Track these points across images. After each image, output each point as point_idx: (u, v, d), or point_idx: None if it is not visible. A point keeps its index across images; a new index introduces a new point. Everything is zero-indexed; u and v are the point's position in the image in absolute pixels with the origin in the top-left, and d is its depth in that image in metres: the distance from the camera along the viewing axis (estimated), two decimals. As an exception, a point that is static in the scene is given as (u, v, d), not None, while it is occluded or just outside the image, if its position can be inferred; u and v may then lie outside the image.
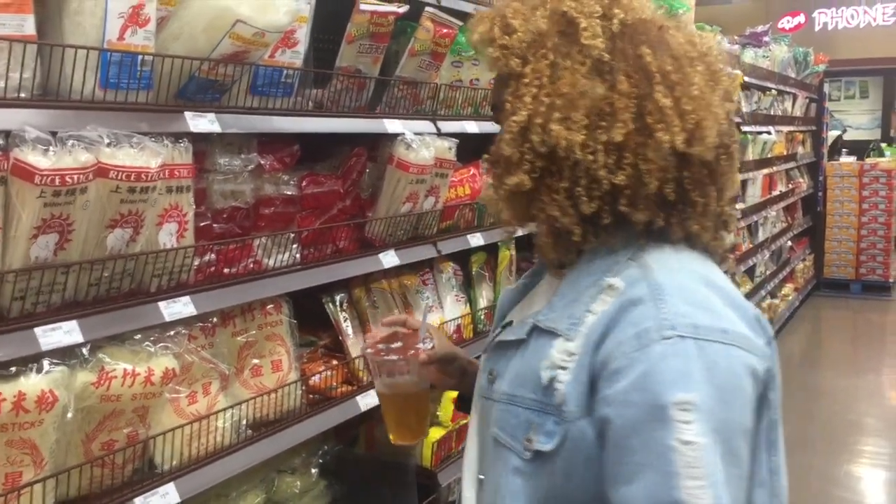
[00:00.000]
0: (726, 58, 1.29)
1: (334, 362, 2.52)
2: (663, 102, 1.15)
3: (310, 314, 2.56)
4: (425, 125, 2.79)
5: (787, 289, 9.03)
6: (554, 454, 1.11)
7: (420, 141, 2.60)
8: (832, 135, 11.33)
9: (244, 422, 2.14)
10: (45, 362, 1.63)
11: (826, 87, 10.86)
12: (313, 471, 2.62)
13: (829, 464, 5.26)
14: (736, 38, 7.92)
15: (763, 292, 7.76)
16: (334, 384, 2.47)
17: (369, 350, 1.54)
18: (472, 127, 3.04)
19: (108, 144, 1.67)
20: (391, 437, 1.58)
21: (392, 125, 2.61)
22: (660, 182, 1.15)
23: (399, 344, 1.54)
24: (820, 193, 10.34)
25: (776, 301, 8.38)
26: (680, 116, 1.15)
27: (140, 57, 1.79)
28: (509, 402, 1.19)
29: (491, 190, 1.25)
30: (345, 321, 2.61)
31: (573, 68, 1.17)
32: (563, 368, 1.12)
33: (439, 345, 1.54)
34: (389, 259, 2.64)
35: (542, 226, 1.22)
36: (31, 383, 1.59)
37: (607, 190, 1.15)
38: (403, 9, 2.49)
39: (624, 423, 1.04)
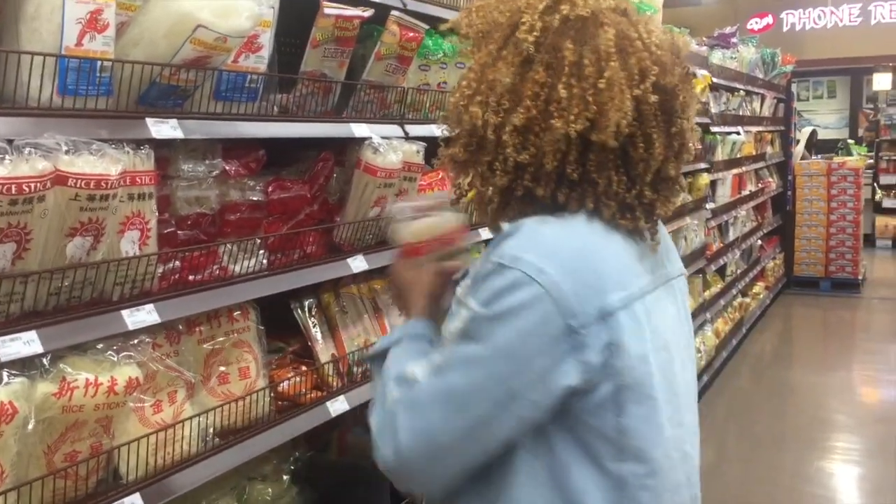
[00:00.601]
0: (673, 53, 1.38)
1: (303, 368, 2.50)
2: (562, 93, 1.29)
3: (278, 320, 2.54)
4: (393, 129, 2.79)
5: (758, 287, 9.12)
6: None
7: (387, 145, 2.59)
8: (806, 131, 11.48)
9: (211, 430, 2.13)
10: (4, 373, 1.61)
11: (794, 88, 10.98)
12: (285, 477, 2.61)
13: (801, 461, 5.32)
14: (704, 39, 7.99)
15: (734, 291, 7.83)
16: (303, 390, 2.45)
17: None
18: (440, 130, 3.04)
19: (67, 152, 1.65)
20: None
21: (359, 129, 2.60)
22: (559, 163, 1.31)
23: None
24: (789, 192, 10.46)
25: (747, 300, 8.46)
26: (580, 106, 1.28)
27: (99, 63, 1.77)
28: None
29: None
30: (314, 327, 2.60)
31: (507, 59, 1.34)
32: (460, 288, 1.37)
33: None
34: (358, 264, 2.63)
35: (476, 194, 1.42)
36: (-10, 395, 1.57)
37: (513, 166, 1.33)
38: (368, 13, 2.48)
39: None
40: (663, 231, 1.47)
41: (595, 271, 1.27)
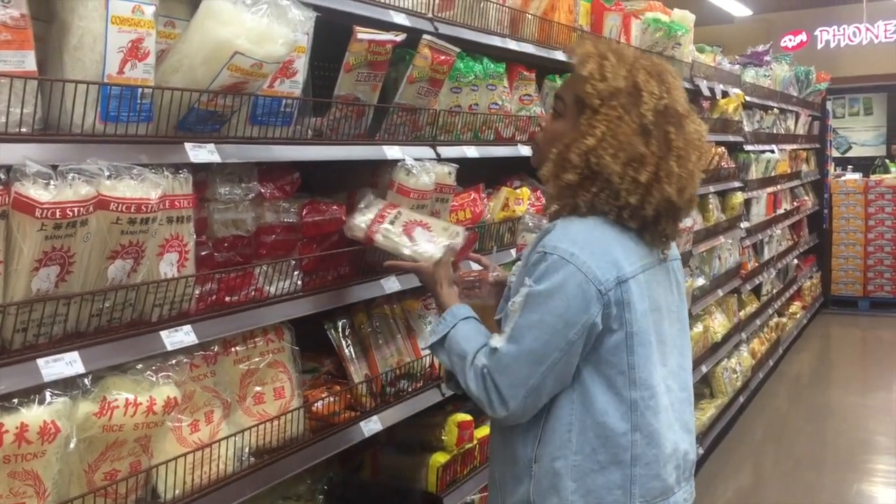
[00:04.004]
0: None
1: (337, 388, 2.52)
2: (673, 168, 1.83)
3: (312, 340, 2.57)
4: (425, 151, 2.81)
5: (795, 307, 9.00)
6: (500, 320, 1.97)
7: (420, 166, 2.62)
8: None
9: (247, 449, 2.15)
10: (47, 393, 1.64)
11: (829, 105, 10.87)
12: (319, 497, 2.63)
13: (840, 483, 5.22)
14: (737, 57, 7.95)
15: (770, 311, 7.73)
16: (337, 410, 2.47)
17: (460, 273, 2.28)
18: (471, 152, 3.07)
19: (109, 177, 1.70)
20: None
21: (392, 151, 2.63)
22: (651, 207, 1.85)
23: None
24: (825, 211, 10.33)
25: (784, 319, 8.35)
26: (680, 179, 1.83)
27: (140, 90, 1.82)
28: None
29: (546, 168, 1.91)
30: (347, 347, 2.62)
31: (629, 123, 1.81)
32: (513, 275, 1.99)
33: (500, 275, 2.29)
34: (391, 284, 2.65)
35: (563, 203, 1.88)
36: (34, 414, 1.60)
37: (620, 203, 1.82)
38: (401, 37, 2.52)
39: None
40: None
41: (609, 253, 1.80)
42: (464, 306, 2.00)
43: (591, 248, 1.78)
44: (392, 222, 2.30)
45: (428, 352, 2.84)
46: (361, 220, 2.36)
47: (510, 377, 1.78)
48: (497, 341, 1.81)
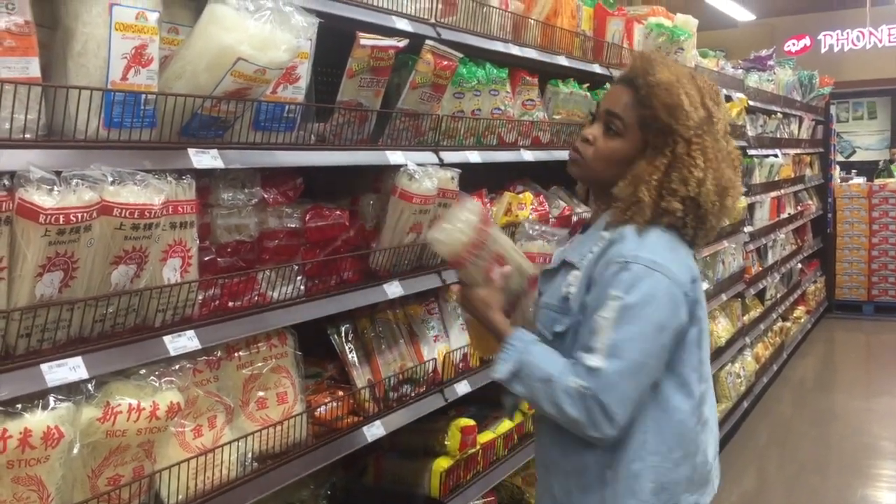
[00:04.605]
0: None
1: (340, 393, 2.52)
2: (740, 187, 1.96)
3: (315, 345, 2.57)
4: (428, 156, 2.82)
5: (799, 311, 8.98)
6: (564, 333, 1.90)
7: (423, 172, 2.62)
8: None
9: (250, 454, 2.15)
10: (51, 398, 1.65)
11: (833, 109, 10.87)
12: (322, 502, 2.62)
13: (845, 488, 5.20)
14: (740, 62, 7.95)
15: (774, 315, 7.72)
16: (340, 415, 2.47)
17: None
18: (474, 157, 3.07)
19: (112, 182, 1.70)
20: (479, 351, 2.02)
21: (394, 157, 2.63)
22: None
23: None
24: (829, 215, 10.32)
25: (788, 324, 8.33)
26: (733, 188, 1.93)
27: (143, 96, 1.83)
28: (545, 308, 1.98)
29: (623, 190, 1.89)
30: (350, 352, 2.63)
31: (718, 150, 1.89)
32: (572, 286, 1.90)
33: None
34: (394, 289, 2.65)
35: (641, 219, 1.86)
36: (37, 420, 1.61)
37: (705, 225, 1.91)
38: (403, 43, 2.52)
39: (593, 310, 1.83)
40: None
41: (680, 256, 1.87)
42: (521, 329, 1.92)
43: (667, 253, 1.83)
44: (479, 256, 1.98)
45: (432, 357, 2.84)
46: (458, 239, 1.97)
47: (618, 394, 1.75)
48: (595, 360, 1.76)
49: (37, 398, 1.64)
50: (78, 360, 1.70)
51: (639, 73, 1.91)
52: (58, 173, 1.62)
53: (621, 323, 1.76)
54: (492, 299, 1.96)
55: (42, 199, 1.57)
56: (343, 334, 2.64)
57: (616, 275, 1.79)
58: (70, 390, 1.71)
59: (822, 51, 12.76)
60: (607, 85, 4.10)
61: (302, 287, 2.35)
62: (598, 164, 1.93)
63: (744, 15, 12.00)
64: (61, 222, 1.59)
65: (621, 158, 1.90)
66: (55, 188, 1.59)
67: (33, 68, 1.66)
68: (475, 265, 1.96)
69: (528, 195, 3.49)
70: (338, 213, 2.50)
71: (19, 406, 1.61)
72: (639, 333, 1.76)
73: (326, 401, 2.46)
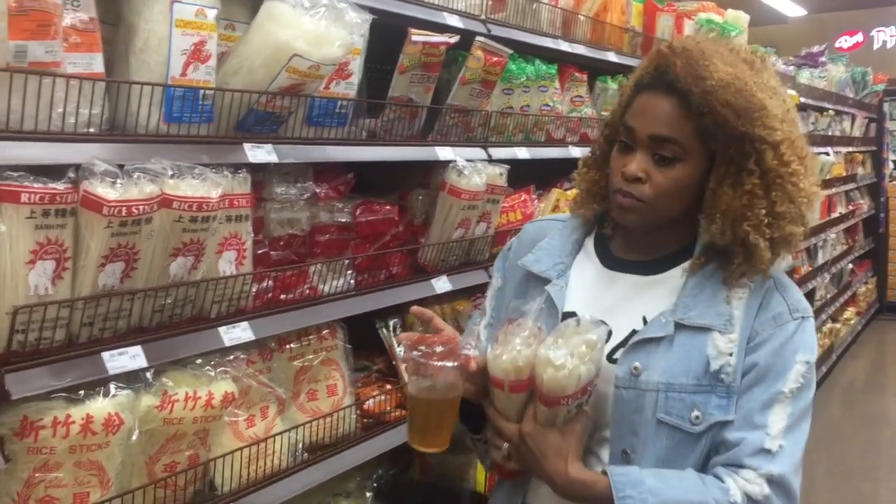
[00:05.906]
0: None
1: (388, 387, 2.55)
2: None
3: (364, 339, 2.59)
4: (476, 152, 2.83)
5: (849, 312, 8.81)
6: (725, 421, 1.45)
7: (472, 167, 2.63)
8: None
9: (300, 445, 2.19)
10: (112, 386, 1.69)
11: (886, 107, 10.62)
12: (368, 495, 2.65)
13: (894, 493, 5.10)
14: (791, 58, 7.82)
15: (824, 316, 7.58)
16: (388, 409, 2.49)
17: (416, 352, 1.43)
18: (522, 153, 3.07)
19: (172, 176, 1.74)
20: (416, 444, 1.48)
21: (444, 152, 2.65)
22: None
23: (441, 348, 1.44)
24: (882, 215, 10.09)
25: (837, 325, 8.17)
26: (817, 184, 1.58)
27: (202, 91, 1.86)
28: (668, 390, 1.46)
29: (756, 228, 1.48)
30: (398, 346, 2.64)
31: (801, 138, 1.59)
32: (731, 355, 1.45)
33: (480, 352, 1.50)
34: (442, 284, 2.67)
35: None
36: (98, 406, 1.66)
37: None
38: (454, 39, 2.53)
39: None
40: None
41: None
42: (618, 467, 1.44)
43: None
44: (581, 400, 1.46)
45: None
46: (576, 375, 1.39)
47: (799, 472, 1.44)
48: (778, 465, 1.40)
49: (98, 385, 1.68)
50: (137, 349, 1.74)
51: (681, 76, 1.46)
52: (121, 167, 1.66)
53: (802, 391, 1.45)
54: (569, 447, 1.44)
55: (105, 191, 1.61)
56: (391, 328, 2.66)
57: (798, 333, 1.48)
58: (129, 378, 1.75)
59: (875, 47, 12.47)
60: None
61: (352, 281, 2.38)
62: (665, 202, 1.49)
63: (794, 10, 11.78)
64: (123, 214, 1.63)
65: (689, 185, 1.49)
66: (118, 181, 1.63)
67: (97, 64, 1.71)
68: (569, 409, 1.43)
69: (576, 192, 3.48)
70: (387, 207, 2.52)
71: (81, 393, 1.66)
72: (811, 397, 1.48)
73: (375, 394, 2.48)
